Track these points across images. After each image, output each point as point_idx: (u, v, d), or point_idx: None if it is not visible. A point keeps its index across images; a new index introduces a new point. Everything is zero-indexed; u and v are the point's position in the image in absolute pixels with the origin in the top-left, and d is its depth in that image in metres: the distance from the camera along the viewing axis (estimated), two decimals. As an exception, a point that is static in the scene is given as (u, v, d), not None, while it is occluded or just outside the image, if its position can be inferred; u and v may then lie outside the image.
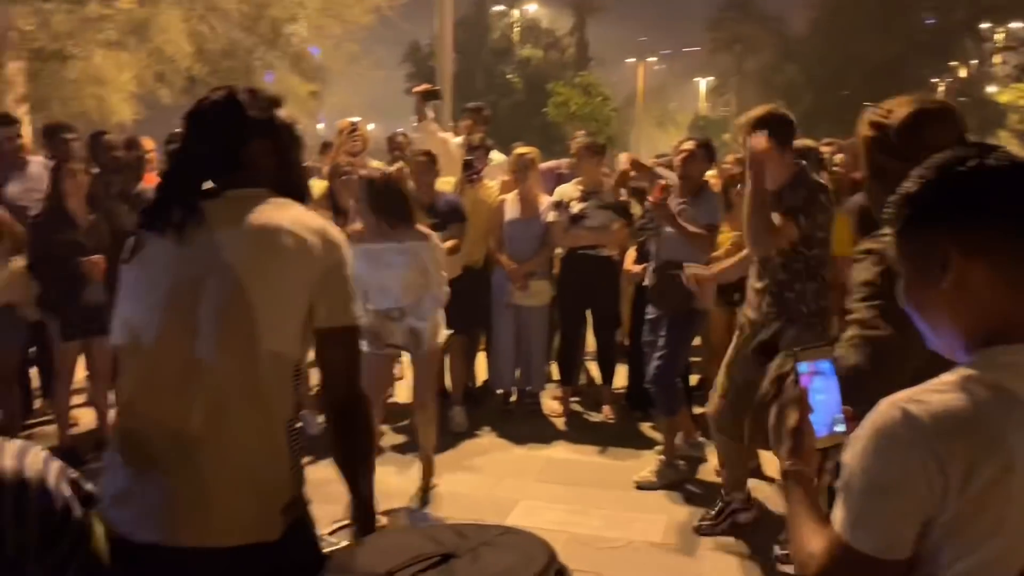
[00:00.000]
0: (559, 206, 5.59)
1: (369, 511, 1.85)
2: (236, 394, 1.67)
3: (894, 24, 27.13)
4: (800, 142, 4.61)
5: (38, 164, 5.26)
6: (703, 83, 43.07)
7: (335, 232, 1.80)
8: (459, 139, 6.47)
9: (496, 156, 6.57)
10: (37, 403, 5.68)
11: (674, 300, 4.50)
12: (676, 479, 4.58)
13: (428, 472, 4.56)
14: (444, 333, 4.56)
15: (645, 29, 45.19)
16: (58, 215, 4.67)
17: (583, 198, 5.56)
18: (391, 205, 4.25)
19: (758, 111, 3.69)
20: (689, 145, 4.84)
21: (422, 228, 4.40)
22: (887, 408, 1.19)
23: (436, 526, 2.03)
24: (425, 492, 4.51)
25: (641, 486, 4.57)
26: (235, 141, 1.80)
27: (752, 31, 31.76)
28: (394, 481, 4.52)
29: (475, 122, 6.54)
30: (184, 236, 1.73)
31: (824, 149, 4.93)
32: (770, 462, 4.80)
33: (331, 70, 10.94)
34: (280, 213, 1.76)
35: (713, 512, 4.09)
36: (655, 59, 48.06)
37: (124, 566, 1.67)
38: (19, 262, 4.67)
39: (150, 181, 5.52)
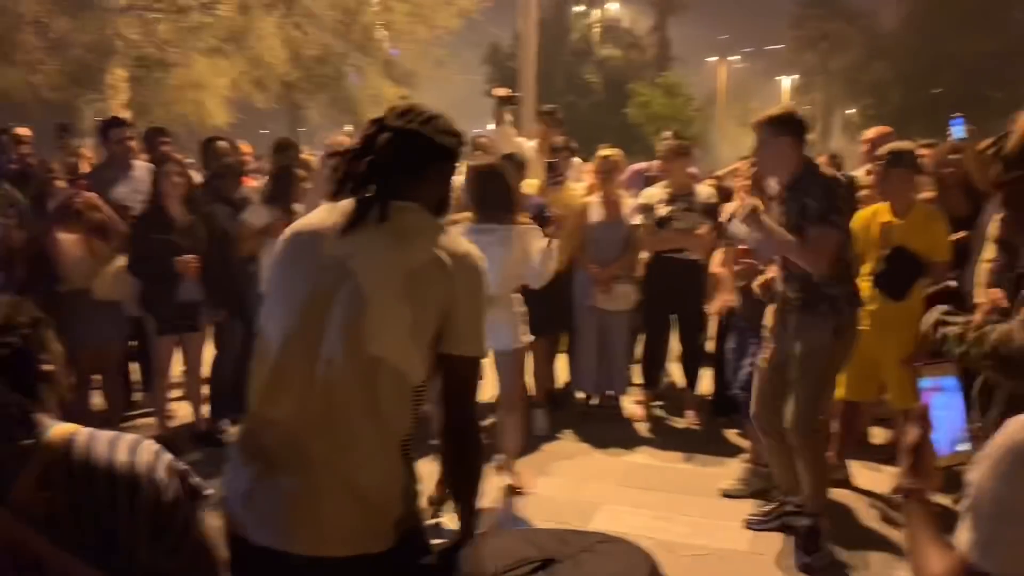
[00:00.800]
0: (645, 209, 5.55)
1: (472, 528, 1.86)
2: (355, 407, 1.70)
3: (991, 19, 25.97)
4: (896, 144, 4.51)
5: (142, 167, 5.49)
6: (786, 82, 42.11)
7: (479, 260, 1.82)
8: (533, 143, 6.48)
9: (574, 160, 6.56)
10: (137, 396, 5.93)
11: (759, 311, 4.44)
12: (764, 487, 4.50)
13: (514, 475, 4.59)
14: (527, 335, 4.57)
15: (727, 27, 44.45)
16: (156, 216, 4.86)
17: (670, 201, 5.51)
18: (495, 194, 4.32)
19: (774, 111, 3.79)
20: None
21: (523, 220, 4.44)
22: (1019, 427, 1.15)
23: (535, 530, 2.05)
24: (513, 494, 4.54)
25: (728, 494, 4.50)
26: (422, 159, 1.85)
27: (838, 28, 30.87)
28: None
29: (549, 125, 6.53)
30: (348, 232, 1.77)
31: (923, 152, 4.76)
32: (860, 473, 4.68)
33: (418, 74, 11.12)
34: (431, 234, 1.79)
35: (767, 508, 4.05)
36: (737, 58, 47.22)
37: (241, 565, 1.75)
38: (121, 260, 4.89)
39: (246, 183, 5.72)
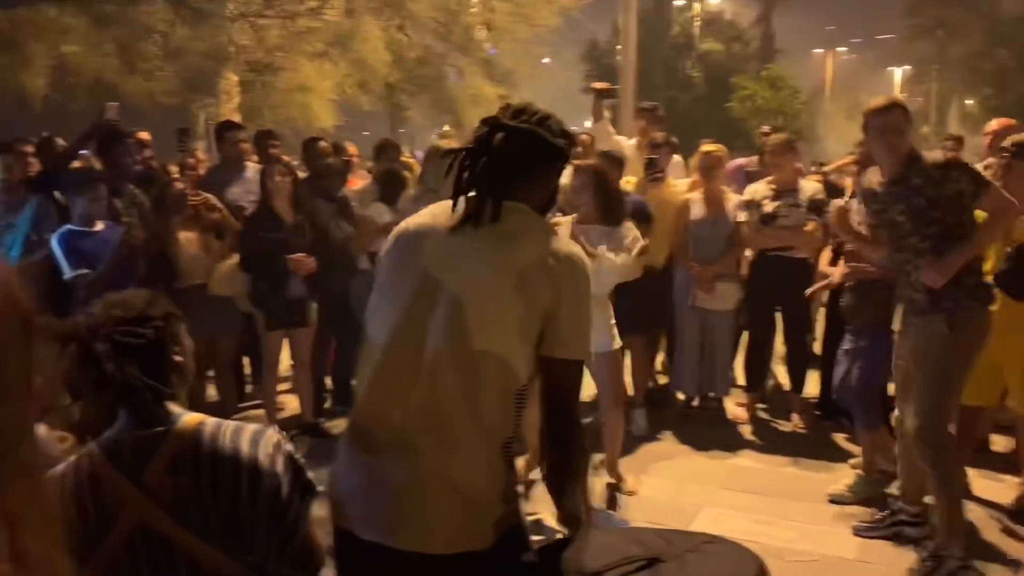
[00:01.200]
0: (750, 205, 5.42)
1: (575, 524, 1.85)
2: (459, 406, 1.72)
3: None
4: (1021, 136, 4.27)
5: (254, 168, 5.70)
6: (898, 73, 40.38)
7: (585, 262, 1.82)
8: (632, 140, 6.41)
9: (673, 157, 6.47)
10: (248, 388, 6.18)
11: (868, 312, 4.29)
12: (873, 494, 4.33)
13: (616, 474, 4.57)
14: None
15: (834, 17, 42.99)
16: (266, 215, 5.04)
17: (775, 197, 5.36)
18: (598, 195, 4.39)
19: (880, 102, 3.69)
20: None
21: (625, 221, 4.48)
22: None
23: (639, 529, 2.03)
24: (613, 493, 4.52)
25: (835, 499, 4.36)
26: (535, 159, 1.86)
27: (956, 14, 29.36)
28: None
29: (649, 122, 6.46)
30: (457, 231, 1.80)
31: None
32: (979, 483, 4.45)
33: (518, 73, 11.19)
34: (539, 235, 1.80)
35: (879, 515, 3.90)
36: (844, 49, 45.60)
37: (347, 558, 1.80)
38: (234, 258, 5.10)
39: (353, 184, 5.88)
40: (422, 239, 1.84)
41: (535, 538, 1.91)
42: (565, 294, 1.76)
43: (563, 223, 4.33)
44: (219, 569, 1.74)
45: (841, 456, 4.95)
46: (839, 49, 44.51)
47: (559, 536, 1.80)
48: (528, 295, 1.73)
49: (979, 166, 5.20)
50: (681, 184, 5.87)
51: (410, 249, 1.85)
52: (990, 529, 4.05)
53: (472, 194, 1.81)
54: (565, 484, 1.83)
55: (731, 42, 28.60)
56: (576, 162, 4.83)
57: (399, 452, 1.75)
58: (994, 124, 5.47)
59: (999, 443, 5.03)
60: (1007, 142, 4.18)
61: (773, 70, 18.42)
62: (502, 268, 1.75)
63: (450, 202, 1.84)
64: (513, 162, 1.83)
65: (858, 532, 3.96)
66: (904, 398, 3.81)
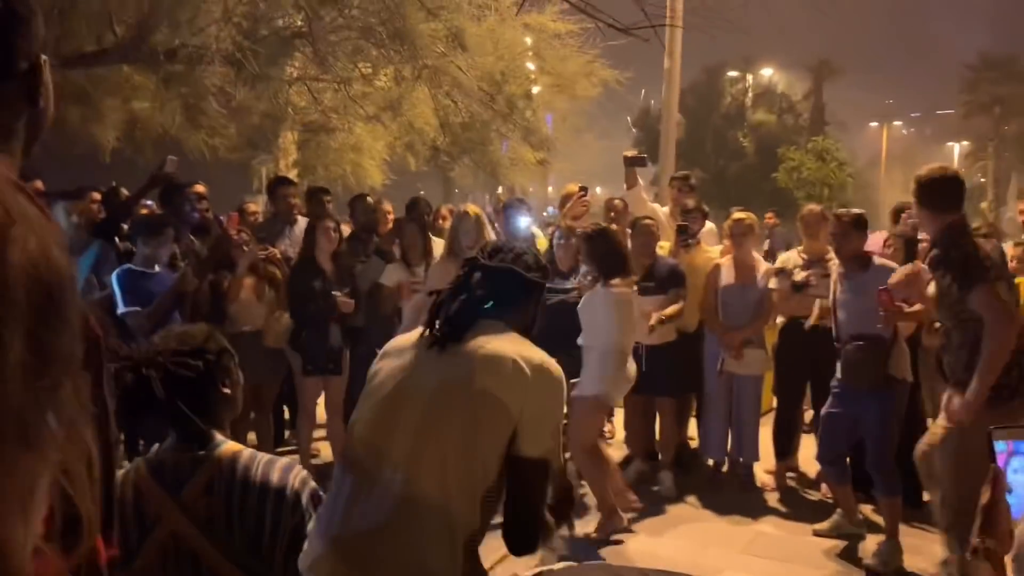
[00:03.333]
0: (781, 273, 5.50)
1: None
2: (423, 501, 1.84)
3: None
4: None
5: (304, 223, 5.96)
6: (956, 148, 40.01)
7: (556, 370, 1.96)
8: (666, 208, 6.55)
9: (707, 225, 6.59)
10: (287, 435, 6.35)
11: (869, 373, 4.32)
12: (901, 563, 4.29)
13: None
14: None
15: (893, 92, 42.96)
16: (308, 265, 5.29)
17: (806, 265, 5.44)
18: (601, 256, 4.66)
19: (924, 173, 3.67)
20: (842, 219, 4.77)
21: (620, 282, 4.67)
22: None
23: (624, 567, 2.12)
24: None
25: (870, 569, 4.33)
26: (512, 294, 2.06)
27: (1013, 91, 29.17)
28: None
29: (680, 190, 6.60)
30: (436, 349, 1.97)
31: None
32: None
33: (558, 140, 11.52)
34: (511, 345, 1.94)
35: None
36: (901, 123, 45.40)
37: None
38: (287, 315, 5.32)
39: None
40: (404, 351, 2.03)
41: None
42: (534, 398, 1.88)
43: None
44: None
45: (869, 527, 4.90)
46: (896, 123, 44.32)
47: None
48: (498, 400, 1.86)
49: (1012, 244, 5.25)
50: (714, 250, 5.97)
51: (393, 358, 2.04)
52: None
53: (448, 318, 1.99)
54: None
55: (783, 113, 28.75)
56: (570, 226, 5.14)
57: (356, 537, 1.87)
58: (1024, 204, 5.49)
59: None
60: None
61: (819, 142, 18.49)
62: (473, 378, 1.89)
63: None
64: (491, 297, 2.02)
65: None
66: None
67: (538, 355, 1.95)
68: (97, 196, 4.99)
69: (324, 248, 5.29)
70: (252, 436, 5.67)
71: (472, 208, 5.11)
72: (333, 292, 5.17)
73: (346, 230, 5.85)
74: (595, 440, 4.83)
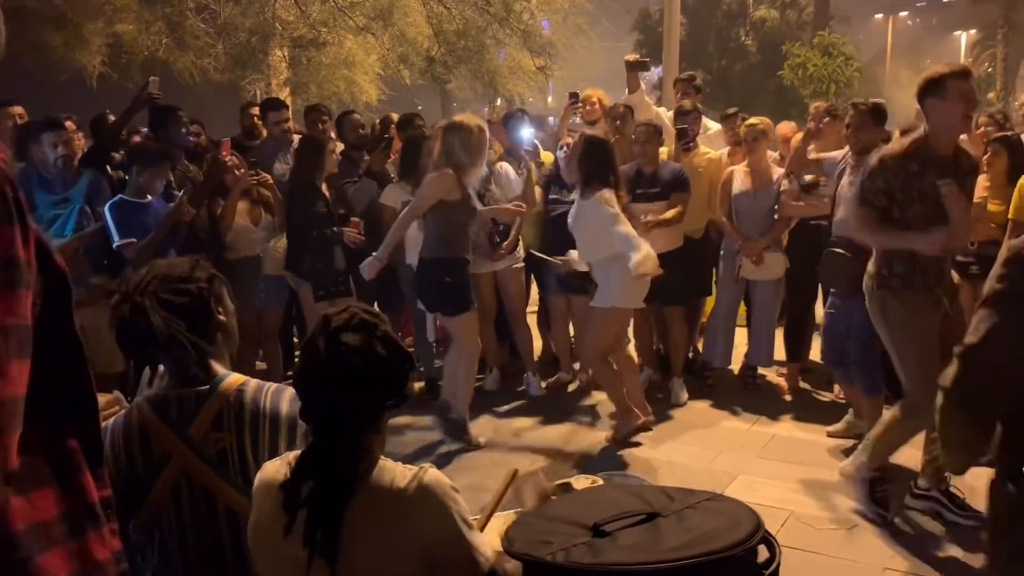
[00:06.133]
0: (791, 174, 5.36)
1: None
2: None
3: None
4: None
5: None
6: (964, 37, 38.95)
7: (448, 493, 1.67)
8: (672, 112, 6.38)
9: (712, 125, 6.42)
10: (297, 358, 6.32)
11: (845, 278, 4.26)
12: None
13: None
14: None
15: (898, -19, 41.61)
16: (308, 189, 5.16)
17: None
18: (590, 165, 4.57)
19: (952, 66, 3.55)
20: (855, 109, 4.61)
21: (606, 192, 4.57)
22: None
23: (646, 486, 2.08)
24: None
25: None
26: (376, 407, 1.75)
27: (1025, -25, 28.20)
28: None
29: (685, 92, 6.45)
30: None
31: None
32: None
33: (558, 44, 11.11)
34: (388, 477, 1.66)
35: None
36: (907, 13, 44.12)
37: None
38: (283, 238, 5.24)
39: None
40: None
41: None
42: (435, 530, 1.64)
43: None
44: None
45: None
46: (902, 14, 43.07)
47: None
48: (389, 546, 1.63)
49: None
50: (713, 152, 5.83)
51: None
52: None
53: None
54: None
55: (785, 9, 27.86)
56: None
57: None
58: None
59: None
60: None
61: (825, 37, 17.88)
62: (360, 524, 1.64)
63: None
64: (359, 411, 1.72)
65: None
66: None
67: (414, 478, 1.67)
68: (72, 125, 4.82)
69: (326, 171, 5.17)
70: (262, 365, 5.67)
71: (469, 119, 4.83)
72: (336, 218, 5.06)
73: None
74: (608, 348, 4.79)
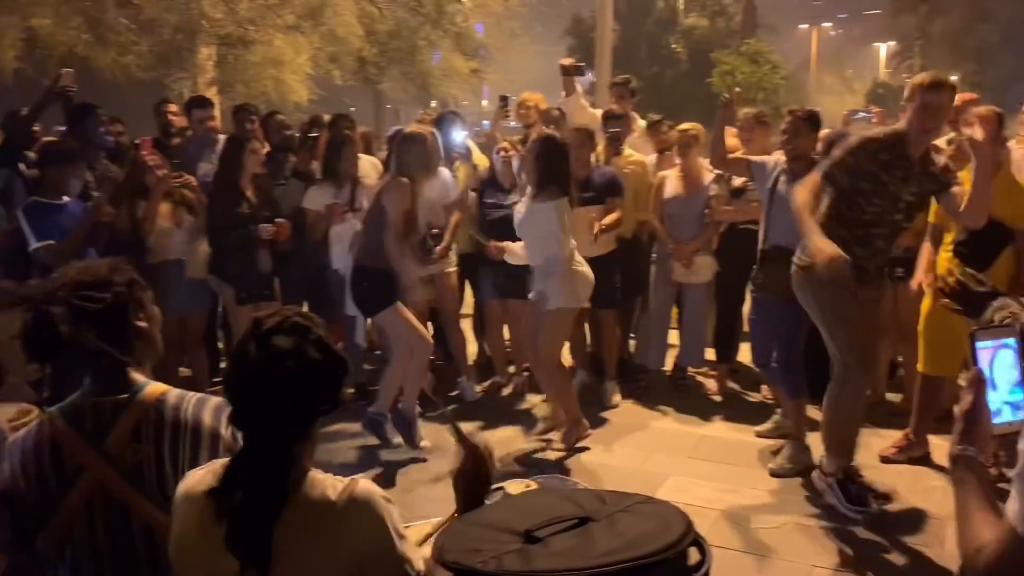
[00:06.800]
0: (720, 179, 5.46)
1: None
2: None
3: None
4: (983, 109, 4.33)
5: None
6: (883, 48, 40.36)
7: (380, 504, 1.61)
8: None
9: (639, 122, 6.50)
10: (224, 364, 6.17)
11: (781, 286, 4.28)
12: (811, 463, 4.35)
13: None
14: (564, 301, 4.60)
15: (822, -8, 42.86)
16: (230, 190, 5.03)
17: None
18: (549, 169, 4.49)
19: (934, 75, 3.81)
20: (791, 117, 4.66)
21: (565, 202, 4.51)
22: None
23: (579, 490, 2.07)
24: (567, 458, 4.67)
25: (776, 474, 4.40)
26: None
27: (940, -11, 29.33)
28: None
29: (621, 96, 6.49)
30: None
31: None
32: (940, 449, 4.53)
33: (491, 48, 11.11)
34: (320, 488, 1.60)
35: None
36: (830, 24, 45.53)
37: None
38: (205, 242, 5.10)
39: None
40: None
41: None
42: (365, 543, 1.58)
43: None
44: None
45: (809, 426, 5.01)
46: (825, 24, 44.42)
47: None
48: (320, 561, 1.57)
49: (944, 140, 5.30)
50: (637, 155, 5.90)
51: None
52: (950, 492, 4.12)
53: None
54: None
55: (715, 17, 28.46)
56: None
57: None
58: (956, 99, 5.50)
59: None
60: (966, 117, 4.22)
61: (752, 45, 18.34)
62: (289, 540, 1.56)
63: None
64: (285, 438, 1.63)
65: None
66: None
67: (345, 491, 1.62)
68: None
69: (249, 171, 5.05)
70: (187, 372, 5.51)
71: (422, 129, 4.86)
72: (259, 219, 4.95)
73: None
74: (560, 353, 4.79)
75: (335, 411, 1.65)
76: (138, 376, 1.91)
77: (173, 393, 1.91)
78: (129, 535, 1.82)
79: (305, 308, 5.26)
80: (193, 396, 1.93)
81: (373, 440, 4.82)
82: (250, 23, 8.28)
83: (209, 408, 1.90)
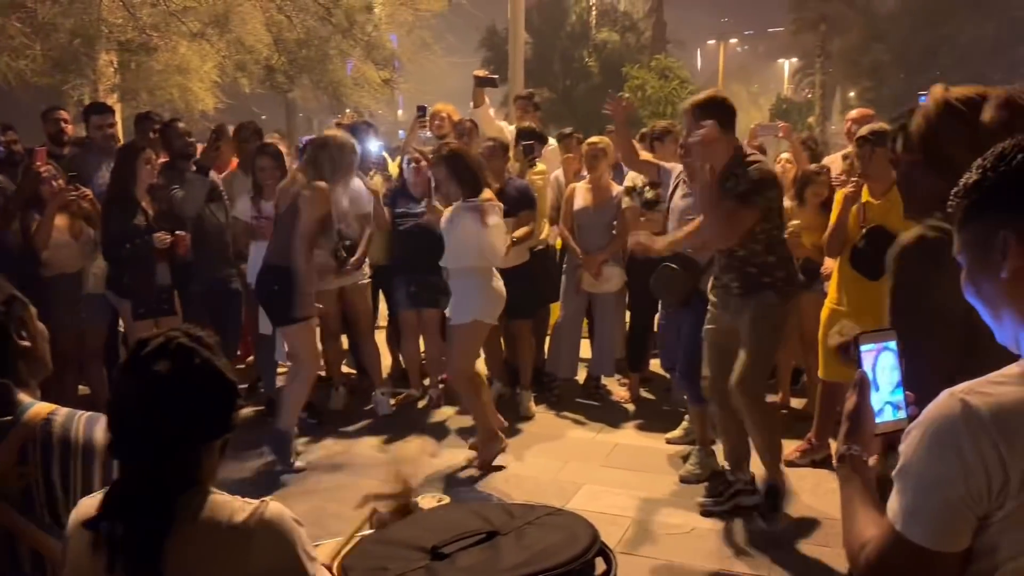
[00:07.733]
0: (631, 192, 5.55)
1: None
2: None
3: (989, 2, 25.85)
4: (877, 125, 4.50)
5: (125, 152, 5.44)
6: (787, 65, 41.94)
7: (290, 526, 1.54)
8: (514, 127, 6.50)
9: (550, 143, 6.59)
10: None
11: (677, 293, 4.44)
12: (716, 468, 4.44)
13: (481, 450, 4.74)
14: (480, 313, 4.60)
15: (727, 10, 44.34)
16: (126, 203, 4.85)
17: (655, 183, 5.49)
18: (460, 176, 4.51)
19: (700, 96, 3.92)
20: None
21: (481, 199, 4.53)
22: (947, 399, 1.16)
23: (487, 504, 2.06)
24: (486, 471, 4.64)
25: (685, 480, 4.49)
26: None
27: (838, 10, 30.62)
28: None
29: (525, 110, 6.57)
30: None
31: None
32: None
33: (403, 58, 11.06)
34: (226, 512, 1.51)
35: (718, 492, 4.12)
36: (736, 40, 47.07)
37: None
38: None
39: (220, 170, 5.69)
40: None
41: None
42: (273, 560, 1.50)
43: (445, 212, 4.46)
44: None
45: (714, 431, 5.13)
46: (732, 41, 45.88)
47: None
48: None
49: (839, 155, 5.52)
50: (543, 166, 5.98)
51: None
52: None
53: None
54: None
55: (625, 32, 29.07)
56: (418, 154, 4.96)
57: None
58: (853, 114, 5.75)
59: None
60: (864, 130, 4.39)
61: (662, 60, 18.80)
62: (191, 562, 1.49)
63: None
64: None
65: (704, 511, 4.09)
66: (721, 366, 3.96)
67: (256, 514, 1.53)
68: None
69: (144, 181, 4.89)
70: (85, 390, 5.29)
71: (339, 134, 4.81)
72: (156, 231, 4.80)
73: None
74: (474, 366, 4.77)
75: (228, 435, 1.56)
76: (24, 396, 1.81)
77: (62, 412, 1.82)
78: (17, 564, 1.73)
79: (209, 323, 5.12)
80: (84, 415, 1.84)
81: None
82: (153, 29, 8.00)
83: (102, 426, 1.82)
